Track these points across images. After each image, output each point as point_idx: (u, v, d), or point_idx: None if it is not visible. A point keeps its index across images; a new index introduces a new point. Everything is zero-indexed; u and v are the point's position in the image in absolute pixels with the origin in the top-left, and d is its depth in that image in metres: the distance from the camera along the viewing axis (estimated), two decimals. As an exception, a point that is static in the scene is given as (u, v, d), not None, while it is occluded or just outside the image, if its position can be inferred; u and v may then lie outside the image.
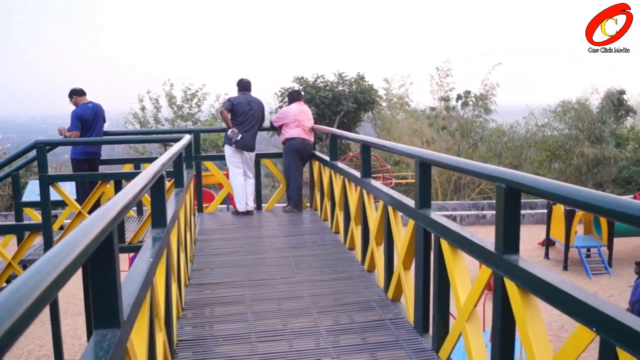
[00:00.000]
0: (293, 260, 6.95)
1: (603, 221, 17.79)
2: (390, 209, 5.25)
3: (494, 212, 24.85)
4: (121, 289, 2.28)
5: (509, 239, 3.04)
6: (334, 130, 8.91)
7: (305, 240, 8.01)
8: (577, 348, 2.47)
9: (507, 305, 3.02)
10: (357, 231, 6.71)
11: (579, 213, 18.01)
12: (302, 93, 27.43)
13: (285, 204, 10.31)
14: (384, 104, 32.06)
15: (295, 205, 9.95)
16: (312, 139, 9.93)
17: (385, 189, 5.55)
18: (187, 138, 7.24)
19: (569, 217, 17.44)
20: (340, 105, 27.21)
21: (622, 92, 31.32)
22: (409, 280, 4.87)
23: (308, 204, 10.48)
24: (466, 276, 3.75)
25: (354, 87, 27.87)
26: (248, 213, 9.87)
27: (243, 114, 9.62)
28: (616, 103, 30.70)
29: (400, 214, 5.16)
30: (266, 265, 6.79)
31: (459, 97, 30.08)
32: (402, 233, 4.99)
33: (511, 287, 2.97)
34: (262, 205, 10.66)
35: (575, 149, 27.61)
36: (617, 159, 28.86)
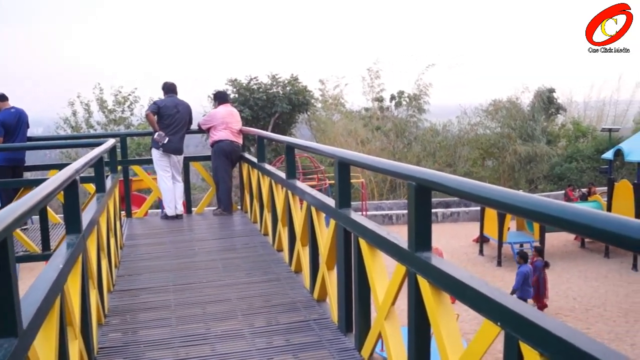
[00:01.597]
0: (221, 263, 6.84)
1: (533, 217, 18.26)
2: (313, 209, 5.21)
3: (430, 210, 25.32)
4: (19, 297, 2.21)
5: (421, 237, 3.03)
6: (261, 132, 8.83)
7: (234, 243, 7.90)
8: (483, 343, 2.47)
9: (421, 302, 3.01)
10: (284, 232, 6.65)
11: (511, 209, 18.47)
12: (230, 94, 27.53)
13: (215, 207, 10.16)
14: (319, 105, 32.16)
15: (225, 208, 9.81)
16: (240, 141, 9.81)
17: (309, 190, 5.51)
18: (110, 142, 7.02)
19: (502, 214, 17.85)
20: (275, 106, 27.08)
21: (551, 91, 32.36)
22: (332, 280, 4.84)
23: (238, 207, 10.36)
24: (384, 275, 3.73)
25: (288, 88, 27.81)
26: (177, 217, 9.68)
27: (169, 117, 9.43)
28: (546, 101, 31.71)
29: (325, 215, 5.12)
30: (193, 269, 6.66)
31: (392, 98, 30.45)
32: (326, 233, 4.96)
33: (424, 284, 2.96)
34: (193, 208, 10.49)
35: (508, 146, 28.33)
36: (549, 156, 29.79)
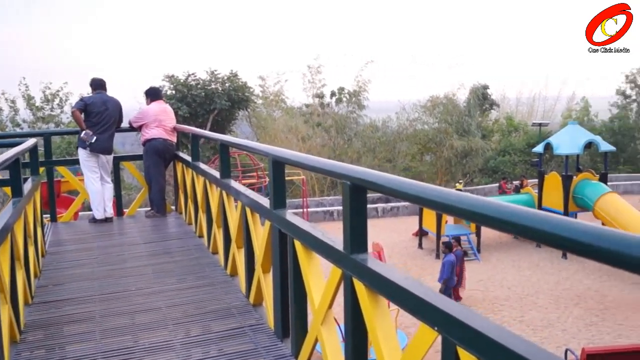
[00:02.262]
0: (152, 269, 6.53)
1: (469, 210, 18.59)
2: (248, 210, 5.02)
3: (369, 205, 25.32)
4: None
5: (356, 238, 2.91)
6: (194, 129, 8.53)
7: (167, 246, 7.59)
8: (421, 347, 2.36)
9: (357, 306, 2.89)
10: (219, 234, 6.42)
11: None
12: (167, 91, 26.97)
13: (148, 209, 9.80)
14: (260, 102, 31.87)
15: (158, 210, 9.44)
16: (174, 139, 9.48)
17: (243, 190, 5.31)
18: (29, 142, 6.61)
19: (438, 208, 18.12)
20: (214, 103, 26.63)
21: (485, 87, 33.10)
22: (268, 284, 4.66)
23: (173, 207, 10.03)
24: (320, 278, 3.59)
25: (227, 84, 27.39)
26: (107, 220, 9.22)
27: (98, 114, 8.97)
28: (481, 97, 32.40)
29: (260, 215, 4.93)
30: (122, 277, 6.31)
31: (333, 94, 30.46)
32: (261, 235, 4.77)
33: (360, 287, 2.83)
34: (124, 210, 10.09)
35: (445, 141, 28.81)
36: (484, 150, 30.43)
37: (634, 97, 38.63)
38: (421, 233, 19.54)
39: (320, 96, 30.88)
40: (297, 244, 3.73)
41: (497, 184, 26.32)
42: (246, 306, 5.18)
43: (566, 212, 17.87)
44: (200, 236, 7.67)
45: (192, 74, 27.80)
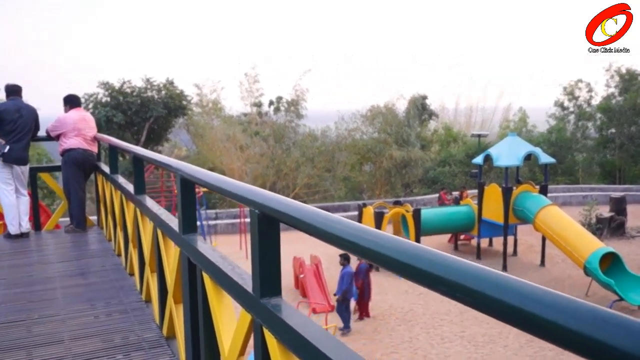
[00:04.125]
0: (62, 292, 5.89)
1: (410, 221, 18.38)
2: (159, 231, 4.46)
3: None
4: None
5: (268, 278, 2.41)
6: (113, 140, 7.89)
7: (82, 266, 6.92)
8: None
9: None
10: (135, 255, 5.83)
11: (388, 214, 18.47)
12: (102, 98, 26.06)
13: (68, 223, 9.06)
14: (198, 110, 31.13)
15: (78, 224, 8.73)
16: (95, 149, 8.79)
17: (156, 208, 4.74)
18: None
19: (378, 219, 17.80)
20: (150, 111, 25.92)
21: (424, 97, 33.23)
22: (180, 316, 4.10)
23: (96, 222, 9.33)
24: (232, 319, 3.07)
25: (163, 92, 26.71)
26: (22, 236, 8.49)
27: (11, 122, 8.24)
28: (420, 108, 32.48)
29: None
30: (28, 301, 5.65)
31: (271, 103, 29.97)
32: (172, 261, 4.22)
33: (270, 339, 2.33)
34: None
35: (384, 151, 28.64)
36: (423, 161, 30.45)
37: (571, 109, 39.58)
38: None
39: (258, 105, 30.35)
40: (206, 278, 3.20)
41: (436, 195, 26.31)
42: (159, 339, 4.61)
43: (506, 225, 17.86)
44: (119, 254, 7.04)
45: (127, 81, 27.00)
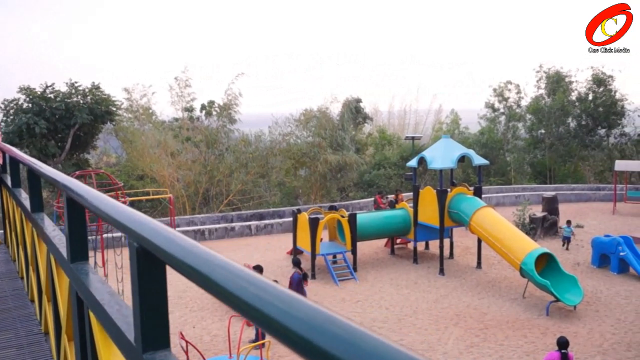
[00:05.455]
0: (-51, 325, 5.15)
1: (346, 227, 18.02)
2: (52, 257, 3.84)
3: (243, 223, 24.30)
4: None
5: (152, 327, 1.88)
6: (12, 150, 7.09)
7: (-22, 291, 6.16)
8: None
9: None
10: (34, 280, 5.15)
11: (323, 220, 18.06)
12: (22, 104, 24.70)
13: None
14: (128, 115, 29.96)
15: (-20, 244, 7.92)
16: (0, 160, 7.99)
17: (51, 229, 4.11)
18: None
19: (313, 225, 17.34)
20: (74, 117, 24.66)
21: (358, 101, 33.05)
22: (72, 355, 3.50)
23: (2, 241, 8.49)
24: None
25: (89, 97, 25.49)
26: None
27: None
28: (354, 111, 32.28)
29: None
30: None
31: (203, 107, 29.12)
32: (63, 293, 3.61)
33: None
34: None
35: (319, 156, 28.27)
36: (358, 164, 30.24)
37: (501, 110, 40.27)
38: (295, 252, 18.72)
39: (190, 110, 29.42)
40: (93, 318, 2.64)
41: (372, 199, 26.13)
42: (54, 381, 3.99)
43: (442, 228, 17.72)
44: (22, 277, 6.31)
45: (51, 85, 25.64)
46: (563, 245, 20.15)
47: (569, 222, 20.47)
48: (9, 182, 7.06)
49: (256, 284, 1.20)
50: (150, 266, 1.85)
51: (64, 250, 3.40)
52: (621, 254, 17.45)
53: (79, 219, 3.09)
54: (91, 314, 2.65)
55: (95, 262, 14.54)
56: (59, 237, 3.86)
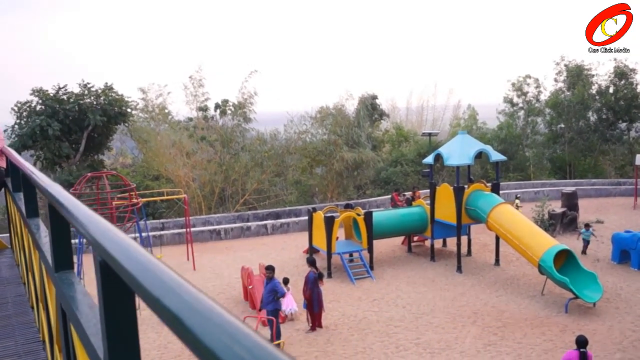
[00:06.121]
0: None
1: (362, 225, 17.82)
2: (43, 265, 3.69)
3: (259, 223, 24.19)
4: None
5: (120, 348, 1.70)
6: (12, 154, 6.98)
7: (-18, 297, 6.07)
8: None
9: None
10: (32, 286, 5.01)
11: (338, 219, 17.87)
12: (36, 106, 24.72)
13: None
14: (144, 115, 29.97)
15: (-14, 248, 7.85)
16: (3, 164, 7.89)
17: (44, 235, 3.96)
18: None
19: (329, 224, 17.17)
20: (87, 119, 24.66)
21: (374, 97, 32.73)
22: (64, 370, 3.34)
23: (9, 245, 8.41)
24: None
25: (102, 98, 25.49)
26: None
27: None
28: (370, 108, 31.97)
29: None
30: None
31: (217, 106, 29.00)
32: (52, 303, 3.45)
33: None
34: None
35: (335, 153, 28.05)
36: (375, 161, 29.97)
37: (520, 105, 39.74)
38: (311, 251, 18.56)
39: (204, 109, 29.31)
40: (73, 331, 2.48)
41: (389, 196, 25.88)
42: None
43: (459, 225, 17.45)
44: (24, 283, 6.19)
45: (63, 87, 25.66)
46: (583, 251, 18.55)
47: (587, 226, 19.11)
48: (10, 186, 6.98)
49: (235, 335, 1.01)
50: (115, 285, 1.66)
51: (50, 258, 3.24)
52: (642, 249, 17.15)
53: (62, 226, 2.93)
54: (72, 327, 2.48)
55: (82, 272, 14.42)
56: (47, 245, 3.71)
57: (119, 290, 1.66)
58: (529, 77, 39.46)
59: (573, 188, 26.47)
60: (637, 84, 36.50)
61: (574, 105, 36.42)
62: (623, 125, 37.78)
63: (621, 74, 36.57)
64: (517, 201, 23.45)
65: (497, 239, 17.72)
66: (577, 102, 36.25)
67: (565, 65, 37.93)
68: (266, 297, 12.53)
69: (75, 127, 25.15)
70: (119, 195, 16.69)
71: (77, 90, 25.69)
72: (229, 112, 28.75)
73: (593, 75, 37.57)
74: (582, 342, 9.45)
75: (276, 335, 12.27)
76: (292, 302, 14.33)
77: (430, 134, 28.13)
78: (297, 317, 14.22)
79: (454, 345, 12.33)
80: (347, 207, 19.41)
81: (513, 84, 39.57)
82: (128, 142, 34.76)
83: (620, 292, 15.38)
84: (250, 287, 14.71)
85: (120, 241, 1.59)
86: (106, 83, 25.99)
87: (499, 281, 16.57)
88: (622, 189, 31.27)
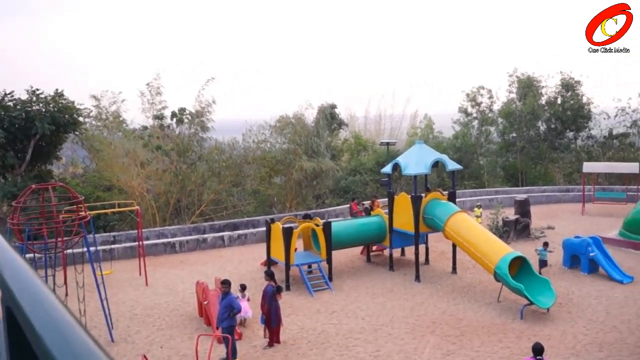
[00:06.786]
0: None
1: (320, 235, 17.64)
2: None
3: (215, 234, 23.78)
4: None
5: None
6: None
7: None
8: None
9: None
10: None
11: (297, 229, 17.67)
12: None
13: None
14: (97, 124, 29.21)
15: None
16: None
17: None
18: None
19: (287, 235, 16.93)
20: (35, 127, 23.71)
21: (333, 107, 32.74)
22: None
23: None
24: None
25: (51, 105, 24.64)
26: None
27: None
28: (329, 117, 31.94)
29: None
30: None
31: (173, 115, 28.47)
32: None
33: None
34: None
35: (294, 163, 27.86)
36: (334, 171, 29.89)
37: (474, 115, 40.56)
38: (269, 263, 18.29)
39: (160, 117, 28.70)
40: None
41: (348, 205, 25.81)
42: None
43: (417, 234, 17.46)
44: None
45: (9, 93, 24.73)
46: (539, 271, 17.10)
47: (545, 244, 18.29)
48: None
49: None
50: (16, 330, 1.42)
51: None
52: (591, 254, 17.54)
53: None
54: None
55: (55, 282, 13.91)
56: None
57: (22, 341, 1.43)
58: (483, 87, 40.45)
59: (525, 195, 26.97)
60: (582, 95, 37.92)
61: (525, 115, 37.43)
62: (570, 134, 39.20)
63: (567, 85, 37.96)
64: (479, 210, 23.64)
65: (454, 247, 17.81)
66: (528, 112, 37.26)
67: (518, 77, 38.97)
68: (221, 314, 12.11)
69: (21, 135, 24.18)
70: (66, 208, 16.09)
71: (24, 96, 24.78)
72: (186, 120, 28.24)
73: (543, 87, 38.84)
74: (538, 350, 9.49)
75: (232, 353, 11.93)
76: (247, 309, 14.17)
77: (388, 143, 28.19)
78: (248, 324, 14.12)
79: (413, 356, 12.24)
80: (306, 217, 19.20)
81: (467, 95, 40.33)
82: (80, 151, 33.87)
83: (572, 297, 15.64)
84: (205, 302, 14.31)
85: (17, 274, 1.37)
86: (56, 89, 25.15)
87: (457, 289, 16.62)
88: (571, 196, 32.14)
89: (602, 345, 12.45)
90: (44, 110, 24.41)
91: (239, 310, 12.46)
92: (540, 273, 16.43)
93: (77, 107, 25.61)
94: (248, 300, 14.47)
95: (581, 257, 17.89)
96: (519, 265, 15.22)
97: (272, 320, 12.90)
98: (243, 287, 14.45)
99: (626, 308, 14.72)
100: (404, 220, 17.97)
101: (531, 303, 14.22)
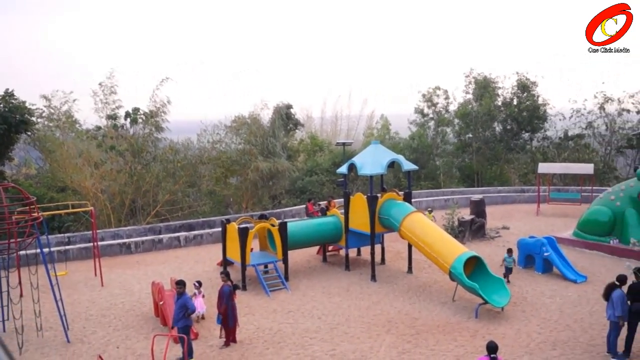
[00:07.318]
0: None
1: (276, 236, 17.65)
2: None
3: (171, 235, 23.56)
4: None
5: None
6: None
7: None
8: None
9: None
10: None
11: (253, 230, 17.62)
12: None
13: None
14: (49, 124, 28.52)
15: None
16: None
17: None
18: None
19: (243, 235, 16.87)
20: (-17, 127, 23.14)
21: (289, 107, 32.71)
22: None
23: None
24: None
25: (1, 105, 24.06)
26: None
27: None
28: (285, 117, 31.89)
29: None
30: None
31: (127, 115, 28.01)
32: None
33: None
34: None
35: (250, 163, 27.73)
36: (290, 171, 29.84)
37: (430, 115, 41.00)
38: (225, 263, 18.22)
39: (114, 117, 28.19)
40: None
41: (304, 205, 25.85)
42: None
43: (373, 234, 17.61)
44: None
45: (-42, 92, 24.05)
46: (505, 277, 16.93)
47: (509, 251, 17.54)
48: None
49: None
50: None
51: None
52: (545, 254, 17.91)
53: None
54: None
55: (9, 283, 13.63)
56: None
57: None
58: (439, 88, 40.83)
59: (481, 196, 27.40)
60: (538, 97, 38.56)
61: (481, 116, 37.99)
62: (526, 135, 39.78)
63: (523, 86, 38.53)
64: (431, 215, 23.88)
65: (410, 247, 18.02)
66: (484, 113, 37.82)
67: (474, 78, 39.51)
68: (177, 314, 12.06)
69: (-30, 136, 23.62)
70: (18, 210, 15.74)
71: None
72: (140, 120, 27.81)
73: (499, 88, 39.37)
74: (492, 348, 9.64)
75: (188, 353, 11.87)
76: (201, 305, 14.16)
77: (344, 144, 28.31)
78: (204, 324, 14.14)
79: (369, 355, 12.34)
80: (262, 217, 19.17)
81: (424, 95, 40.76)
82: (33, 152, 33.09)
83: (527, 296, 15.95)
84: (161, 302, 14.20)
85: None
86: (7, 89, 24.54)
87: (412, 289, 16.82)
88: (526, 196, 32.78)
89: (555, 343, 12.72)
90: None
91: (194, 311, 12.39)
92: (508, 281, 16.70)
93: (29, 107, 25.05)
94: (203, 296, 14.58)
95: (535, 257, 18.28)
96: (474, 264, 15.47)
97: (229, 320, 12.88)
98: (199, 284, 14.51)
99: (579, 307, 15.07)
100: (360, 221, 18.10)
101: (486, 302, 14.44)
